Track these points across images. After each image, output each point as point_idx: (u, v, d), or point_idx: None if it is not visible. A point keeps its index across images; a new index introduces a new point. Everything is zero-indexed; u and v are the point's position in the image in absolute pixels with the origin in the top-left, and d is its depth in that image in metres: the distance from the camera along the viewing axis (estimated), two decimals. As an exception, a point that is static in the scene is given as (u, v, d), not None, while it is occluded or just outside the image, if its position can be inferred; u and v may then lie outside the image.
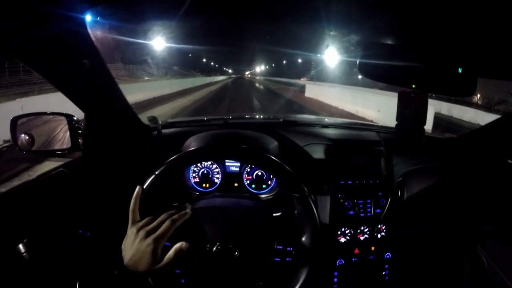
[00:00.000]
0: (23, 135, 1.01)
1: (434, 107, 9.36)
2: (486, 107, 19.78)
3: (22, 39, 0.74)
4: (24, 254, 0.84)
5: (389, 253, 1.18)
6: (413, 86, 0.89)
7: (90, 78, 0.96)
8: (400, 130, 1.03)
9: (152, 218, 0.74)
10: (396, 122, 1.01)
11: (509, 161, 1.22)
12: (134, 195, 0.76)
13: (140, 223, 0.73)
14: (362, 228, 1.15)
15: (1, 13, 0.65)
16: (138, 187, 0.77)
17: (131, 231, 0.72)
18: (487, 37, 0.81)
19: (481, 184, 1.22)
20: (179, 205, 0.81)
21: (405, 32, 1.00)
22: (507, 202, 1.18)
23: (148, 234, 0.70)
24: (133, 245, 0.69)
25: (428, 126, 8.54)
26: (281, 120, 1.59)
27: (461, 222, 1.24)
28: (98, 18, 0.96)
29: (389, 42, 1.02)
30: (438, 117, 9.66)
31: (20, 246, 0.85)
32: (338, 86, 22.54)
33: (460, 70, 0.83)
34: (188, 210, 0.79)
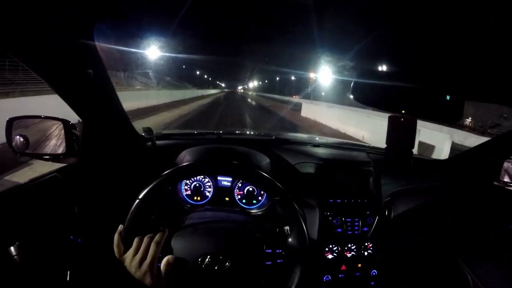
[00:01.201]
0: (18, 136, 1.06)
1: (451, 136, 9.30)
2: (479, 131, 20.38)
3: (33, 45, 0.83)
4: (16, 256, 0.88)
5: (375, 270, 1.27)
6: (403, 111, 1.01)
7: (92, 86, 1.05)
8: (389, 152, 1.13)
9: (136, 248, 0.83)
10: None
11: (495, 183, 1.32)
12: (117, 232, 0.85)
13: (129, 255, 0.83)
14: (349, 245, 1.25)
15: (15, 19, 0.74)
16: (120, 226, 0.85)
17: (124, 262, 0.83)
18: (475, 64, 0.92)
19: (466, 205, 1.33)
20: (157, 227, 0.88)
21: (397, 61, 1.13)
22: (492, 222, 1.29)
23: (140, 263, 0.81)
24: (134, 274, 0.81)
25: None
26: (273, 137, 1.68)
27: (446, 242, 1.34)
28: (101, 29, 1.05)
29: (382, 69, 1.14)
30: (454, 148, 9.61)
31: (12, 248, 0.89)
32: (337, 106, 22.26)
33: (448, 97, 0.95)
34: (166, 229, 0.89)
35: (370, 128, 11.45)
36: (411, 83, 0.98)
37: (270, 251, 0.95)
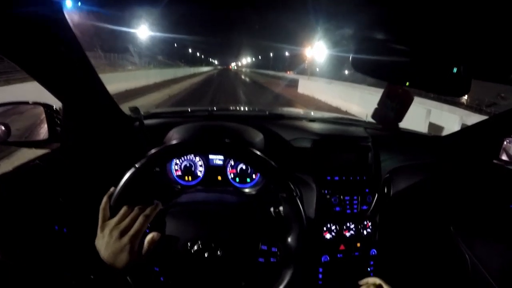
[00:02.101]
0: None
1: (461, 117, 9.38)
2: (476, 108, 20.55)
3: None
4: None
5: (374, 250, 1.28)
6: (407, 84, 0.98)
7: (66, 66, 1.00)
8: (377, 115, 1.10)
9: (123, 216, 0.77)
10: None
11: (495, 161, 1.32)
12: (107, 194, 0.79)
13: (112, 222, 0.75)
14: (348, 224, 1.25)
15: None
16: (112, 188, 0.80)
17: (103, 230, 0.75)
18: (482, 39, 0.91)
19: (466, 183, 1.33)
20: (150, 200, 0.83)
21: (401, 28, 1.09)
22: (491, 201, 1.30)
23: (122, 233, 0.73)
24: (109, 245, 0.73)
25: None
26: (267, 113, 1.64)
27: (445, 219, 1.35)
28: (79, 3, 1.00)
29: (384, 37, 1.11)
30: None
31: None
32: (337, 82, 21.89)
33: (455, 70, 0.93)
34: (159, 204, 0.83)
35: (374, 106, 11.22)
36: (417, 53, 0.94)
37: (265, 248, 0.91)
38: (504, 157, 1.32)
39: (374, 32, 1.14)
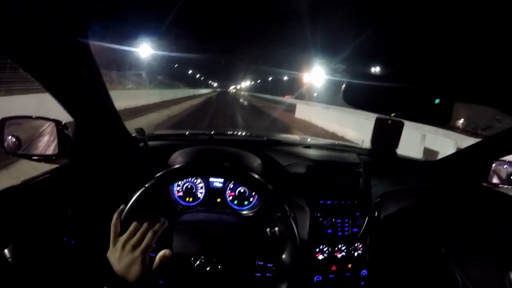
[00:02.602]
0: (10, 137, 1.07)
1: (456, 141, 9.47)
2: (471, 132, 20.74)
3: (26, 44, 0.84)
4: (10, 259, 0.90)
5: (365, 271, 1.33)
6: (393, 114, 1.06)
7: (85, 86, 1.07)
8: (374, 152, 1.18)
9: (133, 231, 0.84)
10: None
11: (484, 184, 1.39)
12: (117, 211, 0.87)
13: (124, 237, 0.83)
14: (339, 246, 1.30)
15: (8, 17, 0.75)
16: (122, 205, 0.87)
17: (116, 244, 0.83)
18: (464, 68, 0.95)
19: (456, 205, 1.38)
20: (157, 218, 0.90)
21: (387, 64, 1.18)
22: (481, 222, 1.35)
23: (134, 247, 0.81)
24: (121, 258, 0.80)
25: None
26: (265, 138, 1.72)
27: (436, 242, 1.39)
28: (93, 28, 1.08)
29: (373, 72, 1.19)
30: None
31: (6, 251, 0.91)
32: (334, 107, 22.01)
33: (437, 101, 1.01)
34: (166, 221, 0.90)
35: (369, 132, 11.18)
36: (401, 86, 1.02)
37: (261, 263, 0.98)
38: (494, 180, 1.37)
39: (364, 68, 1.22)
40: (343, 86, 1.05)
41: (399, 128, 1.10)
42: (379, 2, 0.96)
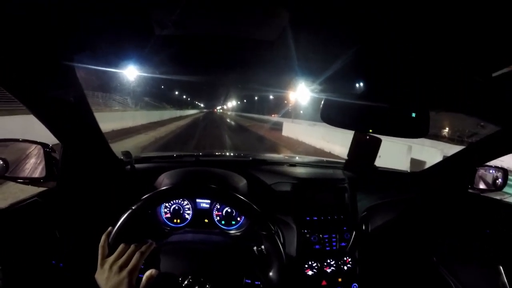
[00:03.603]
0: None
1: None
2: (457, 140, 21.12)
3: (12, 68, 0.86)
4: None
5: (355, 284, 1.33)
6: (370, 131, 1.08)
7: (71, 110, 1.09)
8: (349, 165, 1.20)
9: (120, 252, 0.86)
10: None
11: (470, 190, 1.42)
12: (105, 233, 0.89)
13: (111, 258, 0.85)
14: (328, 261, 1.31)
15: None
16: (110, 228, 0.89)
17: (103, 266, 0.84)
18: (437, 81, 0.99)
19: (443, 213, 1.41)
20: (144, 239, 0.92)
21: (363, 83, 1.22)
22: (469, 228, 1.38)
23: (121, 268, 0.83)
24: (109, 279, 0.81)
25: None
26: (250, 158, 1.75)
27: (424, 249, 1.41)
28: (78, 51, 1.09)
29: (349, 91, 1.23)
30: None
31: None
32: (320, 124, 22.33)
33: (413, 114, 1.04)
34: (153, 243, 0.92)
35: None
36: (377, 103, 1.05)
37: (249, 281, 0.99)
38: (481, 185, 1.41)
39: (340, 87, 1.26)
40: (321, 106, 1.07)
41: (377, 144, 1.13)
42: (354, 25, 1.00)
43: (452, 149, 16.48)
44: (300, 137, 17.83)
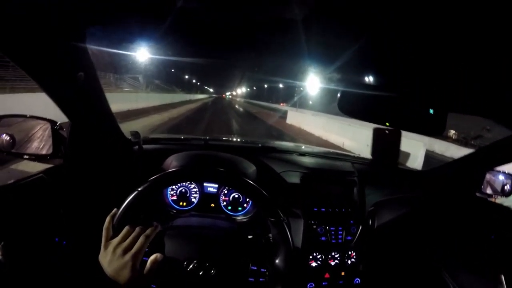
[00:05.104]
0: (4, 135, 1.03)
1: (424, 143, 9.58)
2: (462, 142, 21.03)
3: (25, 46, 0.81)
4: (1, 257, 0.86)
5: (358, 279, 1.27)
6: (387, 124, 1.02)
7: (82, 89, 1.03)
8: (375, 163, 1.14)
9: (125, 235, 0.80)
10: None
11: (477, 194, 1.34)
12: (110, 214, 0.83)
13: (115, 241, 0.79)
14: (333, 253, 1.24)
15: (8, 20, 0.72)
16: (115, 209, 0.83)
17: (107, 248, 0.79)
18: (458, 78, 0.94)
19: (449, 216, 1.34)
20: (150, 222, 0.86)
21: (382, 74, 1.14)
22: (474, 232, 1.31)
23: (125, 251, 0.77)
24: (112, 262, 0.76)
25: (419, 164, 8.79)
26: (259, 145, 1.68)
27: (429, 251, 1.35)
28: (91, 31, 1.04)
29: (367, 82, 1.15)
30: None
31: None
32: (322, 114, 22.50)
33: (431, 111, 0.97)
34: (158, 225, 0.86)
35: (350, 136, 11.69)
36: (395, 96, 0.99)
37: (255, 268, 0.95)
38: (488, 190, 1.34)
39: (358, 77, 1.18)
40: (338, 96, 1.00)
41: (398, 137, 1.05)
42: (373, 13, 0.93)
43: (436, 143, 16.60)
44: (302, 126, 18.03)
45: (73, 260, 1.08)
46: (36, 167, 1.23)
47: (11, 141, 1.05)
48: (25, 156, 1.10)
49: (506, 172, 1.37)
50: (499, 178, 1.36)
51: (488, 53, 0.76)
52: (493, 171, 1.35)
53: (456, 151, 15.83)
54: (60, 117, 1.11)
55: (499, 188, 1.37)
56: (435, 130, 0.97)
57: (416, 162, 8.91)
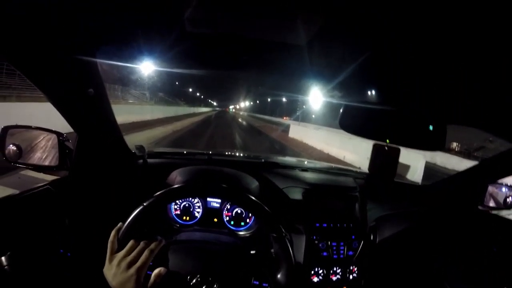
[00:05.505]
0: (11, 145, 1.04)
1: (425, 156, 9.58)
2: (465, 153, 20.88)
3: (36, 62, 0.83)
4: (6, 267, 0.87)
5: None
6: (387, 140, 1.02)
7: (91, 104, 1.05)
8: (371, 178, 1.14)
9: (130, 249, 0.80)
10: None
11: (480, 207, 1.33)
12: (115, 228, 0.83)
13: (120, 254, 0.79)
14: (334, 268, 1.23)
15: (21, 36, 0.74)
16: (120, 223, 0.84)
17: (112, 261, 0.79)
18: (456, 95, 0.94)
19: (451, 229, 1.32)
20: (154, 236, 0.87)
21: (383, 90, 1.15)
22: (476, 245, 1.29)
23: (130, 265, 0.77)
24: (116, 276, 0.76)
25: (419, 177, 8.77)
26: (262, 160, 1.69)
27: (431, 265, 1.32)
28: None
29: (368, 100, 1.16)
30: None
31: (3, 258, 0.88)
32: (324, 128, 22.59)
33: (431, 127, 0.97)
34: (162, 240, 0.86)
35: (351, 149, 11.73)
36: (395, 113, 1.00)
37: (257, 283, 0.94)
38: (491, 203, 1.32)
39: (359, 95, 1.19)
40: (340, 113, 1.02)
41: (396, 154, 1.06)
42: (373, 31, 0.94)
43: (438, 156, 16.45)
44: (304, 139, 18.04)
45: (77, 272, 1.08)
46: (44, 174, 1.25)
47: (18, 151, 1.05)
48: (31, 167, 1.10)
49: (509, 185, 1.36)
50: (502, 190, 1.34)
51: (487, 65, 0.77)
52: (496, 184, 1.34)
53: (458, 163, 15.76)
54: (63, 126, 1.12)
55: (501, 201, 1.35)
56: (435, 146, 0.97)
57: (415, 174, 8.91)
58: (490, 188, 1.34)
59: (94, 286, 0.80)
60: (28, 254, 0.95)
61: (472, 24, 0.66)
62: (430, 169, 10.58)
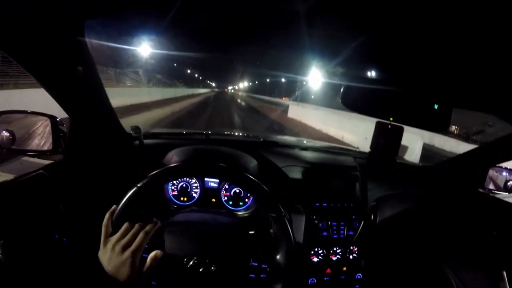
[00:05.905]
0: (4, 131, 1.02)
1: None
2: (464, 137, 20.97)
3: (22, 41, 0.79)
4: (0, 255, 0.85)
5: (360, 274, 1.25)
6: (391, 119, 0.98)
7: (81, 84, 1.00)
8: (372, 156, 1.12)
9: (124, 232, 0.78)
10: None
11: (480, 190, 1.33)
12: (109, 211, 0.80)
13: (114, 238, 0.77)
14: (334, 249, 1.22)
15: (5, 15, 0.70)
16: (114, 206, 0.81)
17: (106, 245, 0.76)
18: (462, 74, 0.90)
19: (451, 211, 1.32)
20: (149, 218, 0.84)
21: (386, 68, 1.11)
22: (476, 228, 1.29)
23: (124, 248, 0.75)
24: (111, 259, 0.74)
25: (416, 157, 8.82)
26: (261, 139, 1.65)
27: (431, 247, 1.33)
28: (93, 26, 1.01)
29: (371, 76, 1.12)
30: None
31: None
32: (323, 108, 22.51)
33: (436, 106, 0.94)
34: (158, 222, 0.84)
35: (349, 129, 11.69)
36: (400, 91, 0.96)
37: (256, 264, 0.92)
38: (491, 186, 1.33)
39: (361, 72, 1.15)
40: (341, 90, 0.98)
41: (399, 133, 1.03)
42: (377, 6, 0.90)
43: (436, 138, 16.59)
44: (303, 119, 18.01)
45: (73, 257, 1.06)
46: (45, 159, 1.23)
47: (11, 137, 1.03)
48: (25, 152, 1.08)
49: (510, 169, 1.35)
50: (502, 174, 1.34)
51: (493, 49, 0.75)
52: (497, 167, 1.34)
53: (457, 146, 15.84)
54: (61, 111, 1.08)
55: (502, 184, 1.35)
56: (440, 125, 0.95)
57: (413, 155, 8.91)
58: (491, 172, 1.33)
59: (90, 271, 0.78)
60: (22, 241, 0.93)
61: (479, 4, 0.63)
62: (427, 151, 10.59)
